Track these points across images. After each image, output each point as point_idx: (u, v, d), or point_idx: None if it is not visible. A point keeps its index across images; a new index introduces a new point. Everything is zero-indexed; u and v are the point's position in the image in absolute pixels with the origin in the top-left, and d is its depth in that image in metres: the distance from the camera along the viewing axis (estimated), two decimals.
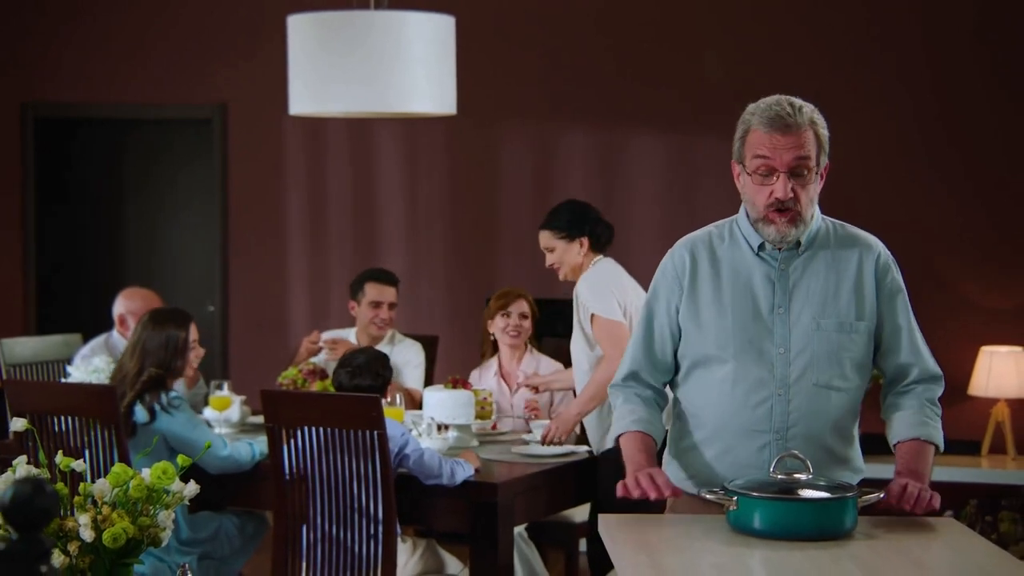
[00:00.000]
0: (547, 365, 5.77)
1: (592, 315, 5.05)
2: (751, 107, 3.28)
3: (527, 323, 5.75)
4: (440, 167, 7.73)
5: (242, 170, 8.01)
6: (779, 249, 3.29)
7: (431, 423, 5.20)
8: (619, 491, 3.13)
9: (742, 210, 3.34)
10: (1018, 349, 6.72)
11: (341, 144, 7.84)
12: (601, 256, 5.23)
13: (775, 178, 3.20)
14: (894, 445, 3.28)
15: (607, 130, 7.46)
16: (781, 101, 3.24)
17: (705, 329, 3.30)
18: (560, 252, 5.20)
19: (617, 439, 3.36)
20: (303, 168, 7.92)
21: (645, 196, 7.41)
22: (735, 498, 2.98)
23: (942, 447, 3.31)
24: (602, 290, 5.05)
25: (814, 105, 3.32)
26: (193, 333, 5.10)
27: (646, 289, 3.56)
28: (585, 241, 5.17)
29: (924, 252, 7.04)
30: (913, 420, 3.29)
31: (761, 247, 3.29)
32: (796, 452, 3.07)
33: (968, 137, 7.03)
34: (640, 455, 3.26)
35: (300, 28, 5.55)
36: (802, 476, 3.00)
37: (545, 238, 5.23)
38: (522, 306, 5.75)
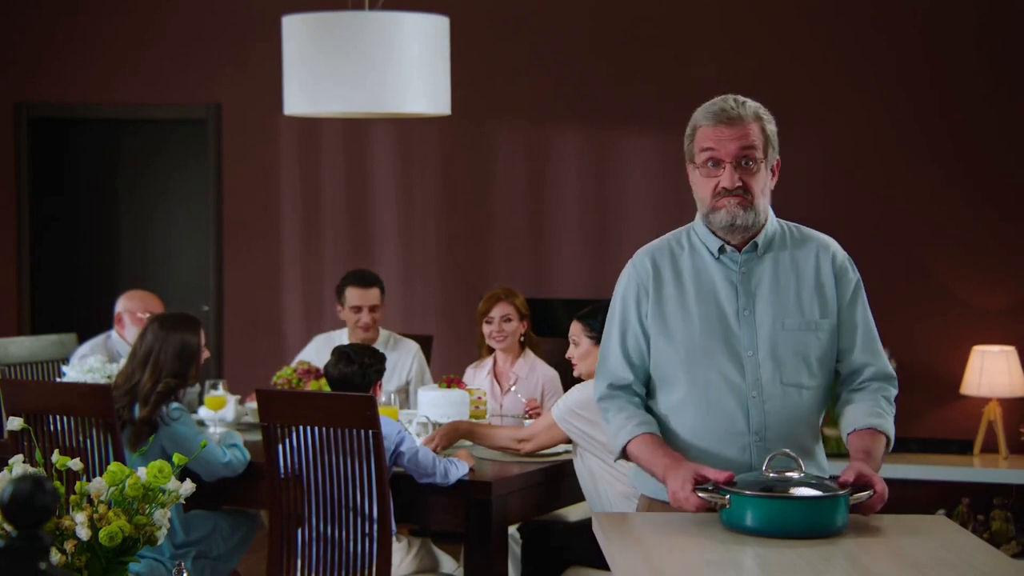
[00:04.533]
0: (541, 369, 5.78)
1: (551, 410, 4.92)
2: (698, 110, 3.37)
3: (511, 325, 5.75)
4: (434, 167, 7.74)
5: (237, 170, 8.02)
6: (738, 249, 3.32)
7: (425, 422, 5.21)
8: (677, 504, 3.11)
9: (698, 217, 3.40)
10: (1010, 348, 6.74)
11: (335, 144, 7.85)
12: None
13: (721, 169, 3.28)
14: (848, 435, 3.31)
15: (601, 130, 7.48)
16: (726, 97, 3.35)
17: (673, 337, 3.31)
18: (582, 351, 4.94)
19: (624, 449, 3.31)
20: (297, 168, 7.93)
21: (639, 196, 7.42)
22: (727, 496, 3.00)
23: (893, 442, 3.33)
24: (579, 410, 4.76)
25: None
26: (202, 338, 5.07)
27: None
28: None
29: (917, 251, 7.06)
30: (868, 411, 3.32)
31: (721, 251, 3.33)
32: (789, 451, 3.08)
33: (964, 137, 7.06)
34: (660, 452, 3.23)
35: (295, 29, 5.56)
36: (794, 474, 3.02)
37: (575, 330, 4.98)
38: (504, 309, 5.74)
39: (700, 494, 3.07)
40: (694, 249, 3.37)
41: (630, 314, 3.38)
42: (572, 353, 4.98)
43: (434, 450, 4.88)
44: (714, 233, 3.33)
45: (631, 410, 3.35)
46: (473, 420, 5.27)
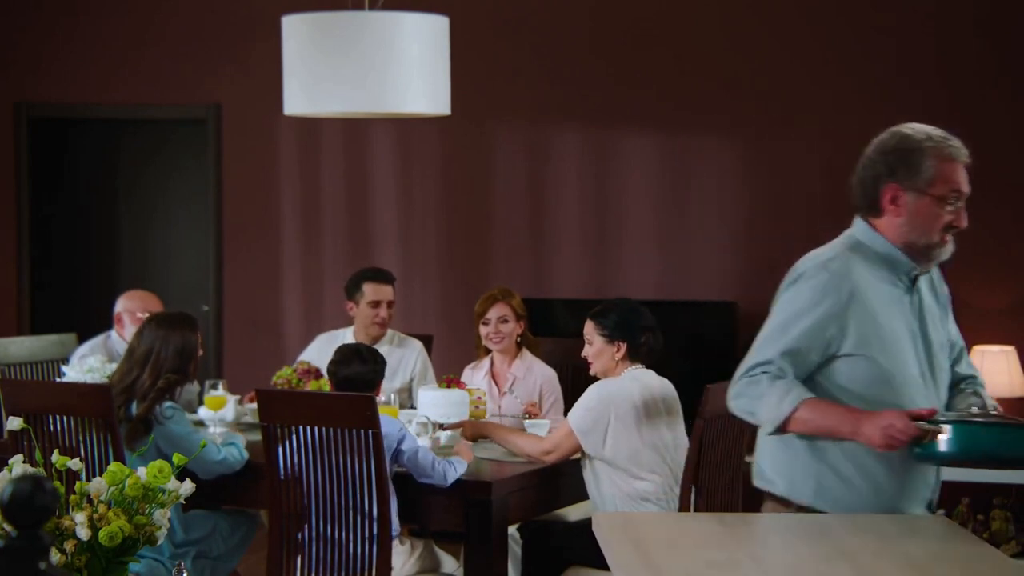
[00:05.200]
0: (539, 369, 5.77)
1: (567, 417, 4.97)
2: (918, 134, 3.46)
3: (508, 327, 5.74)
4: (434, 167, 7.74)
5: (237, 170, 8.02)
6: (917, 273, 3.37)
7: (426, 422, 5.21)
8: (888, 437, 3.11)
9: (871, 235, 3.37)
10: (1010, 348, 6.74)
11: (335, 144, 7.85)
12: (635, 367, 4.95)
13: (955, 207, 3.34)
14: None
15: (601, 130, 7.48)
16: (947, 135, 3.47)
17: (880, 361, 3.25)
18: (596, 349, 4.96)
19: (789, 417, 3.19)
20: (297, 168, 7.93)
21: (638, 196, 7.42)
22: (942, 425, 3.08)
23: None
24: (596, 411, 4.85)
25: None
26: (199, 336, 5.08)
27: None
28: (623, 347, 4.94)
29: None
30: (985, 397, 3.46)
31: (902, 271, 3.35)
32: (981, 392, 3.34)
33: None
34: (843, 407, 3.19)
35: (295, 28, 5.56)
36: (983, 411, 3.23)
37: (588, 328, 5.00)
38: (501, 310, 5.74)
39: (918, 423, 3.08)
40: (871, 266, 3.34)
41: (813, 336, 3.25)
42: (587, 352, 5.01)
43: (466, 435, 5.11)
44: (908, 257, 3.34)
45: (790, 380, 3.24)
46: (490, 421, 5.29)
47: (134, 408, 4.88)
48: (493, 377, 5.81)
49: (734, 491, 5.10)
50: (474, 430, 5.16)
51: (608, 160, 7.47)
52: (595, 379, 5.01)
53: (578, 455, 4.95)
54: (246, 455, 4.98)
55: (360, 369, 4.88)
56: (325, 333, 6.33)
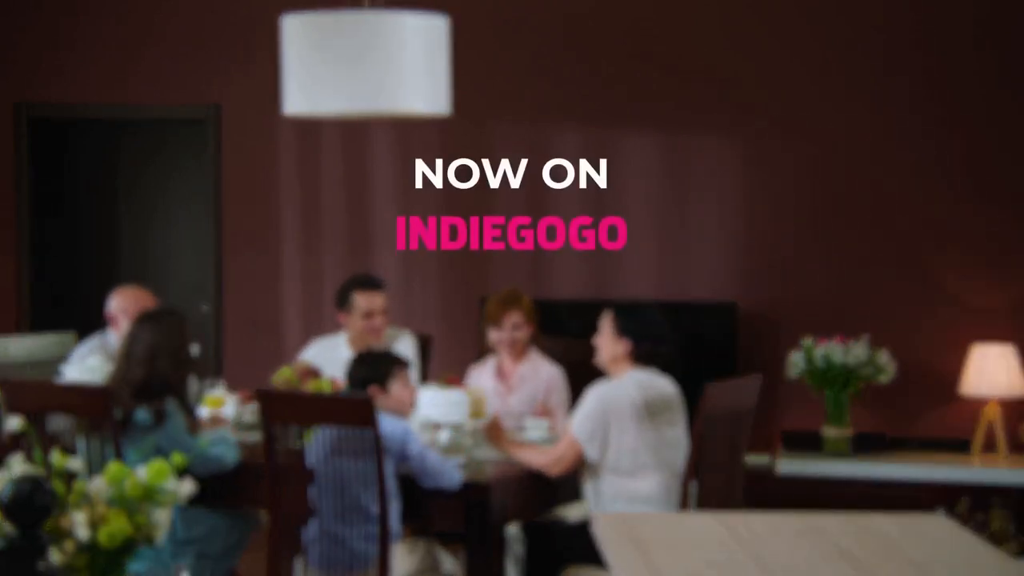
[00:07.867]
0: (546, 368, 5.76)
1: (571, 425, 5.00)
2: None
3: (520, 333, 5.74)
4: (434, 167, 7.73)
5: (236, 170, 8.02)
6: None
7: (428, 423, 5.21)
8: None
9: None
10: (1009, 348, 6.74)
11: (335, 144, 7.85)
12: (636, 369, 5.00)
13: None
14: None
15: (601, 130, 7.47)
16: None
17: None
18: (604, 339, 5.03)
19: None
20: (297, 168, 7.93)
21: (638, 196, 7.42)
22: None
23: None
24: (595, 416, 4.90)
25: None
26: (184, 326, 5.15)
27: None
28: (626, 345, 5.00)
29: (916, 250, 7.06)
30: None
31: None
32: None
33: (964, 136, 7.06)
34: None
35: (294, 28, 5.56)
36: None
37: (605, 318, 5.06)
38: (514, 317, 5.72)
39: None
40: None
41: None
42: (596, 339, 5.09)
43: (487, 435, 5.12)
44: None
45: None
46: (504, 435, 5.26)
47: (139, 412, 4.89)
48: (500, 375, 5.80)
49: (734, 491, 5.10)
50: (490, 436, 5.15)
51: (609, 160, 7.46)
52: (597, 374, 5.05)
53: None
54: (234, 454, 4.99)
55: (368, 372, 4.91)
56: (320, 337, 6.30)
